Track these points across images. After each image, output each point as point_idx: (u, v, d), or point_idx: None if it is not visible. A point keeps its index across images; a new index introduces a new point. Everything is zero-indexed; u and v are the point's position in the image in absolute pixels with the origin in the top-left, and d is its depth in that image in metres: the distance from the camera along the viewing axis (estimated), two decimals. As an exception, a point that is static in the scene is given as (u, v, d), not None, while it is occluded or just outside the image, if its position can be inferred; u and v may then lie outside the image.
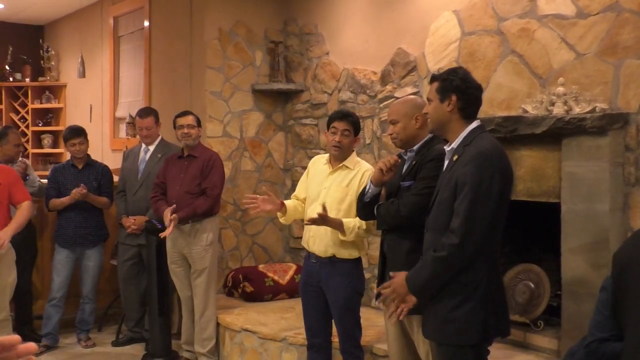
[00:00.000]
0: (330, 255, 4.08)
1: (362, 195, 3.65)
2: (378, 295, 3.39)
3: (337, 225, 3.89)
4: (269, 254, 7.12)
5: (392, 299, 3.05)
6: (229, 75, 6.76)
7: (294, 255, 7.06)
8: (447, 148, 3.04)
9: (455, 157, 2.95)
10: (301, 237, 4.93)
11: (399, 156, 3.59)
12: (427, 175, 3.38)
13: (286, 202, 4.27)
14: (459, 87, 2.99)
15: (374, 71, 5.95)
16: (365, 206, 3.64)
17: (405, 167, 3.57)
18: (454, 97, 2.99)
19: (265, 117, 7.01)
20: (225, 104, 6.76)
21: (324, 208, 3.81)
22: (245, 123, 6.90)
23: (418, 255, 3.11)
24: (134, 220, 5.97)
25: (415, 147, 3.54)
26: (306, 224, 3.99)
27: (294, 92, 6.90)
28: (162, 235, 5.11)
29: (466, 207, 2.81)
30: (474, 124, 3.03)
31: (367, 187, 3.59)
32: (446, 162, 3.06)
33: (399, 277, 3.04)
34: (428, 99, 3.10)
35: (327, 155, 4.21)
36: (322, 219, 3.81)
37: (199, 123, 5.53)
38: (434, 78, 3.09)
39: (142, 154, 6.10)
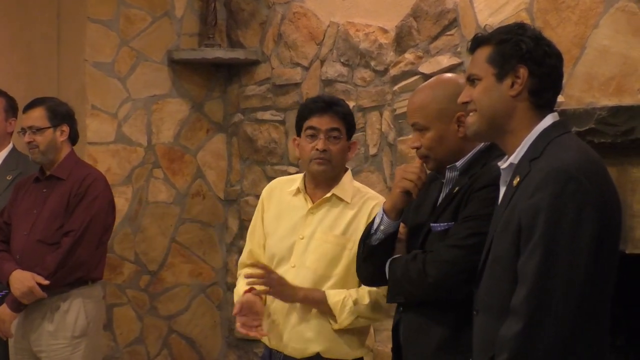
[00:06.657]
0: (311, 354, 3.45)
1: (366, 236, 3.10)
2: None
3: (315, 303, 3.40)
4: (199, 350, 6.31)
5: None
6: (128, 35, 6.13)
7: (243, 353, 6.23)
8: (502, 165, 2.65)
9: (516, 180, 2.54)
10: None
11: (434, 176, 3.12)
12: (477, 212, 2.82)
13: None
14: (533, 54, 2.53)
15: (384, 28, 5.28)
16: (372, 255, 3.07)
17: (441, 196, 3.05)
18: (522, 71, 2.54)
19: (193, 109, 6.31)
20: (120, 84, 6.12)
21: (263, 267, 3.34)
22: (156, 118, 6.23)
23: (455, 356, 2.78)
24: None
25: (459, 163, 3.01)
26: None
27: (242, 65, 6.25)
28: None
29: (536, 268, 2.38)
30: (548, 120, 2.57)
31: (376, 221, 3.06)
32: (502, 190, 2.65)
33: None
34: (471, 78, 2.65)
35: (297, 178, 3.76)
36: (283, 292, 3.35)
37: (57, 120, 4.87)
38: (482, 40, 2.66)
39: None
